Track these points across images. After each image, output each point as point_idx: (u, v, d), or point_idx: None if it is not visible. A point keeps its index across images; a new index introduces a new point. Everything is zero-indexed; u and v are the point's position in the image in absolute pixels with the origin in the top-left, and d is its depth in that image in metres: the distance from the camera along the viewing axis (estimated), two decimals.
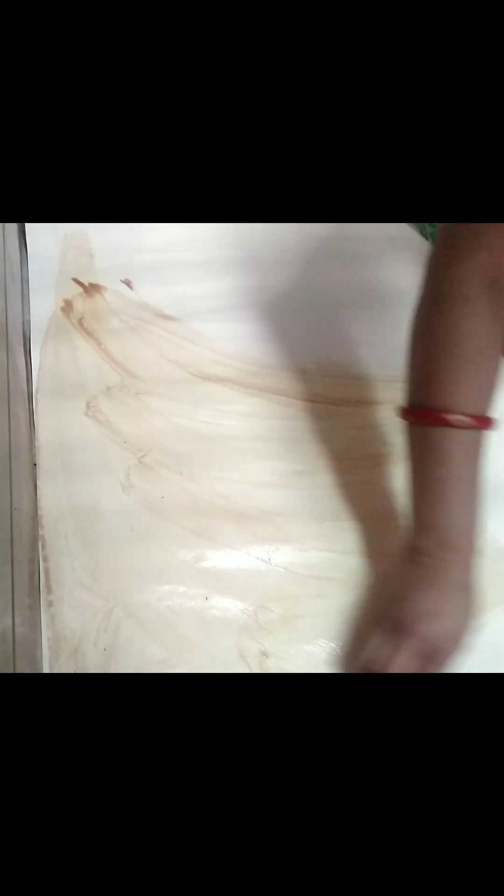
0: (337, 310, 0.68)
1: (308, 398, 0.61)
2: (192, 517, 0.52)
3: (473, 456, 0.43)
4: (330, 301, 0.69)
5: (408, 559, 0.44)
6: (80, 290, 0.67)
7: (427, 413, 0.43)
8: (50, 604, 0.47)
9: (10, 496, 0.45)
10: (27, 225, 0.72)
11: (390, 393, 0.62)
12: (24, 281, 0.67)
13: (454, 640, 0.42)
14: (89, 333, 0.63)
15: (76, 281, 0.68)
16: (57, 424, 0.56)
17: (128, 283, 0.68)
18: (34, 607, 0.46)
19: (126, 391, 0.59)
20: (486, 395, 0.43)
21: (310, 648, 0.47)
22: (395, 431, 0.59)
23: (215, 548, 0.51)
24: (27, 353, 0.62)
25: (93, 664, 0.44)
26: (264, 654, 0.46)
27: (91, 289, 0.67)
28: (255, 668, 0.45)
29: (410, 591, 0.43)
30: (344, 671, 0.47)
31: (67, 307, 0.65)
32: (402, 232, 0.73)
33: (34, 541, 0.49)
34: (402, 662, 0.41)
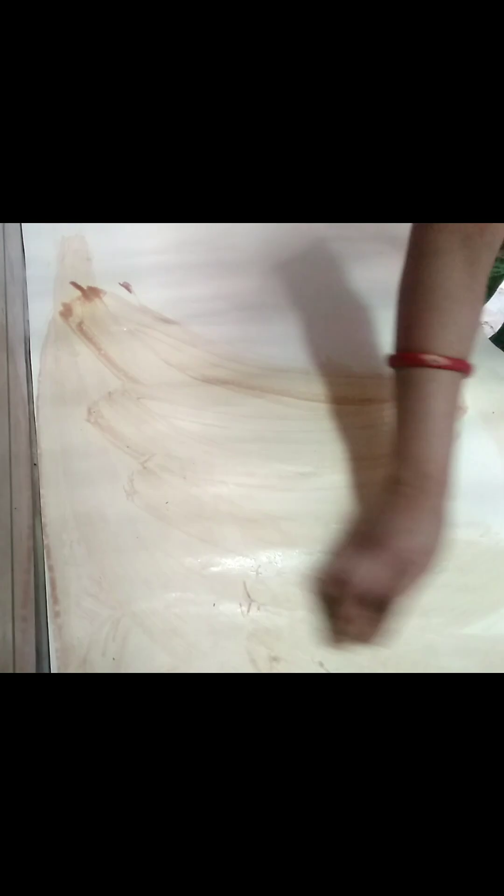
0: (338, 310, 0.68)
1: (311, 399, 0.60)
2: (198, 523, 0.51)
3: (449, 395, 0.47)
4: (330, 302, 0.69)
5: (388, 489, 0.48)
6: (79, 294, 0.67)
7: (407, 356, 0.48)
8: (57, 614, 0.46)
9: (10, 502, 0.44)
10: (25, 229, 0.71)
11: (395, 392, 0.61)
12: (25, 283, 0.67)
13: (425, 555, 0.45)
14: (89, 338, 0.63)
15: (75, 285, 0.67)
16: (58, 431, 0.56)
17: (127, 287, 0.68)
18: (29, 618, 0.45)
19: (127, 396, 0.59)
20: (460, 339, 0.47)
21: (319, 652, 0.46)
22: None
23: (221, 553, 0.50)
24: (27, 357, 0.61)
25: None
26: (274, 659, 0.46)
27: (90, 293, 0.67)
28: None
29: (387, 513, 0.47)
30: (316, 591, 0.49)
31: (66, 311, 0.65)
32: (402, 232, 0.73)
33: (30, 551, 0.48)
34: (375, 571, 0.44)
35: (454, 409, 0.48)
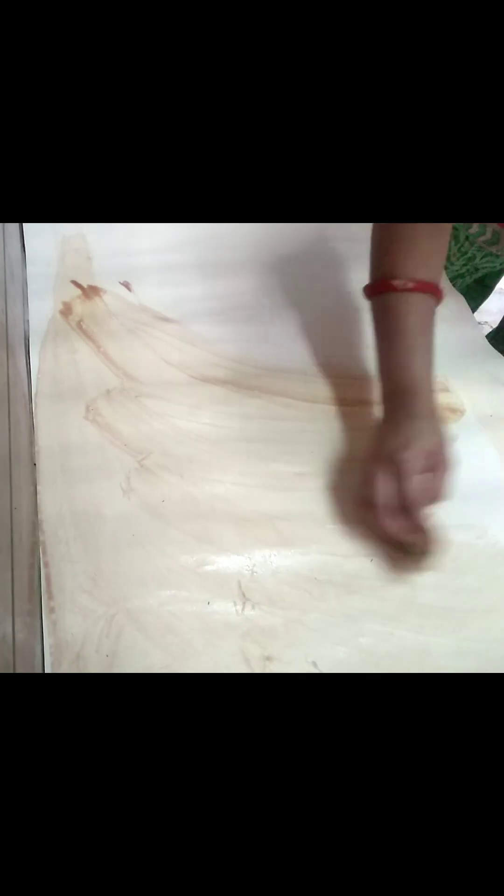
0: (337, 310, 0.68)
1: (308, 400, 0.61)
2: (193, 521, 0.52)
3: (420, 314, 0.52)
4: (330, 302, 0.69)
5: (383, 410, 0.53)
6: (79, 292, 0.67)
7: (378, 283, 0.53)
8: (51, 610, 0.46)
9: (10, 500, 0.44)
10: (25, 228, 0.71)
11: None
12: (25, 282, 0.67)
13: (433, 454, 0.48)
14: (89, 336, 0.63)
15: (75, 283, 0.67)
16: (57, 428, 0.56)
17: (127, 286, 0.68)
18: (34, 613, 0.46)
19: (126, 394, 0.59)
20: (426, 265, 0.52)
21: (313, 652, 0.46)
22: None
23: (217, 552, 0.50)
24: (27, 355, 0.61)
25: (95, 670, 0.44)
26: (267, 658, 0.46)
27: (90, 291, 0.67)
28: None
29: (384, 429, 0.51)
30: (346, 520, 0.52)
31: (66, 310, 0.65)
32: None
33: (34, 546, 0.49)
34: (392, 486, 0.47)
35: (427, 328, 0.52)
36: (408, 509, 0.47)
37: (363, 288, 0.56)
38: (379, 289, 0.53)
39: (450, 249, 0.75)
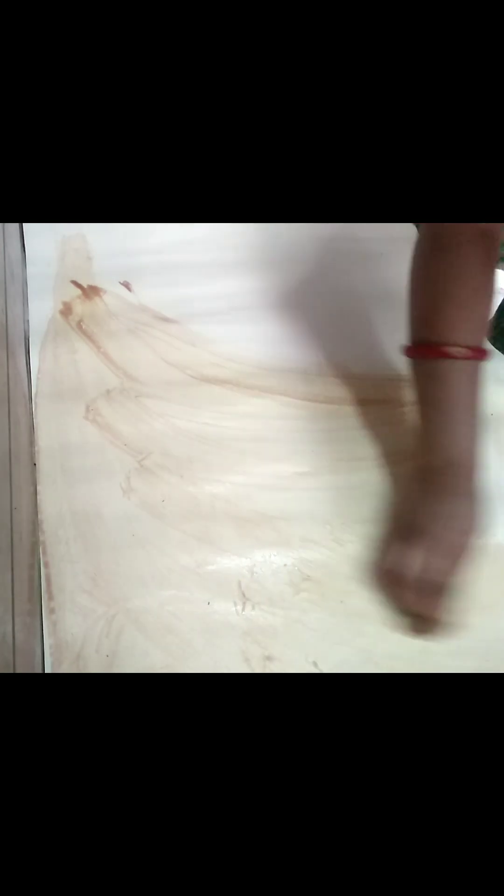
0: (337, 310, 0.68)
1: (309, 399, 0.61)
2: (193, 521, 0.52)
3: (472, 382, 0.49)
4: (330, 301, 0.69)
5: (419, 478, 0.51)
6: (79, 292, 0.67)
7: (430, 348, 0.49)
8: (52, 610, 0.46)
9: (11, 500, 0.44)
10: (25, 228, 0.71)
11: (392, 393, 0.62)
12: (25, 282, 0.67)
13: (468, 536, 0.47)
14: (88, 336, 0.63)
15: (75, 283, 0.67)
16: (57, 428, 0.56)
17: (127, 286, 0.68)
18: (34, 613, 0.46)
19: (126, 394, 0.59)
20: (480, 329, 0.50)
21: (313, 652, 0.46)
22: (398, 432, 0.59)
23: (217, 552, 0.50)
24: (27, 355, 0.61)
25: (95, 670, 0.44)
26: (268, 658, 0.46)
27: (90, 291, 0.67)
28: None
29: (423, 502, 0.49)
30: (371, 584, 0.50)
31: (66, 310, 0.65)
32: (403, 232, 0.73)
33: (33, 546, 0.49)
34: (427, 560, 0.46)
35: (477, 396, 0.49)
36: (433, 587, 0.46)
37: (405, 349, 0.52)
38: (431, 354, 0.49)
39: None
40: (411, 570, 0.46)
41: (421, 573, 0.46)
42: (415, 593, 0.47)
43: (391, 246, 0.74)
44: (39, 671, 0.44)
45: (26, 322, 0.64)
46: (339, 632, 0.47)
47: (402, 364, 0.64)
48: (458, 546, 0.47)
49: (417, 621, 0.48)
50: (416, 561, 0.47)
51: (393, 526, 0.52)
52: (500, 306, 0.65)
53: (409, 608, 0.48)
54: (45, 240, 0.71)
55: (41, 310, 0.65)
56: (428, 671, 0.46)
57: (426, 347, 0.50)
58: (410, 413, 0.61)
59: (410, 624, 0.48)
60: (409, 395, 0.62)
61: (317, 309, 0.68)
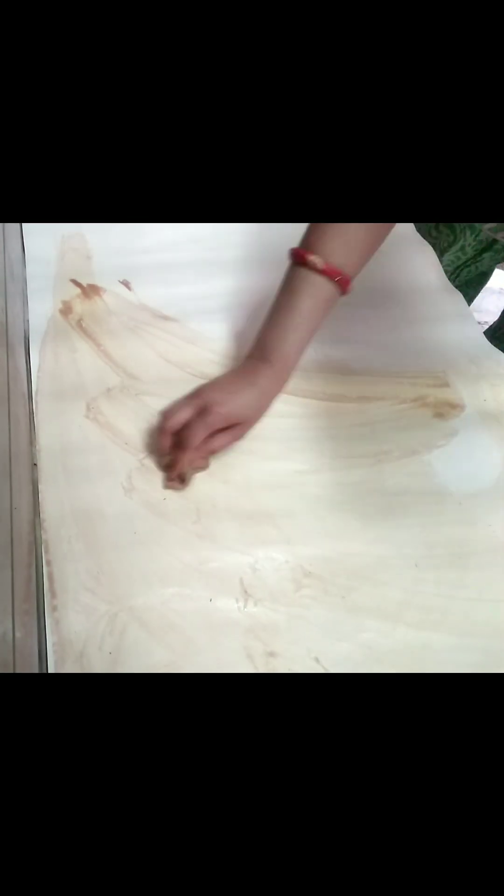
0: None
1: (308, 396, 0.61)
2: (195, 519, 0.52)
3: (316, 297, 0.52)
4: None
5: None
6: (79, 291, 0.67)
7: (298, 252, 0.53)
8: (54, 608, 0.46)
9: (10, 499, 0.45)
10: (25, 228, 0.71)
11: (392, 389, 0.62)
12: (25, 281, 0.67)
13: (227, 411, 0.51)
14: (88, 335, 0.63)
15: (74, 282, 0.68)
16: (57, 428, 0.56)
17: (126, 285, 0.68)
18: (31, 613, 0.46)
19: (126, 392, 0.59)
20: (347, 253, 0.52)
21: (315, 648, 0.47)
22: (397, 428, 0.59)
23: (218, 550, 0.50)
24: (27, 354, 0.61)
25: (98, 668, 0.44)
26: (271, 654, 0.46)
27: (89, 290, 0.67)
28: (262, 669, 0.45)
29: (222, 377, 0.54)
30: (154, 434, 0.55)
31: (66, 309, 0.65)
32: (402, 230, 0.73)
33: (32, 545, 0.49)
34: (181, 409, 0.52)
35: (316, 315, 0.53)
36: (184, 441, 0.51)
37: (288, 253, 0.55)
38: (296, 258, 0.53)
39: (465, 238, 0.75)
40: (174, 422, 0.51)
41: (173, 419, 0.51)
42: (170, 442, 0.52)
43: (390, 244, 0.74)
44: (38, 670, 0.44)
45: (26, 321, 0.64)
46: (341, 628, 0.48)
47: (401, 362, 0.65)
48: (219, 416, 0.51)
49: (167, 469, 0.53)
50: (181, 415, 0.51)
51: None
52: None
53: (161, 453, 0.53)
54: (45, 239, 0.71)
55: (41, 309, 0.65)
56: (429, 666, 0.47)
57: (297, 251, 0.53)
58: (410, 410, 0.61)
59: (163, 471, 0.54)
60: (408, 392, 0.62)
61: None
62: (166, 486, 0.53)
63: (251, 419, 0.53)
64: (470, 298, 0.85)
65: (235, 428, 0.52)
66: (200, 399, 0.52)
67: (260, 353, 0.54)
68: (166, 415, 0.52)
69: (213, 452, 0.53)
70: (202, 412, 0.51)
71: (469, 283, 0.80)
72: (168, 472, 0.53)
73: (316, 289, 0.52)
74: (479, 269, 0.80)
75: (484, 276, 0.85)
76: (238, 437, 0.53)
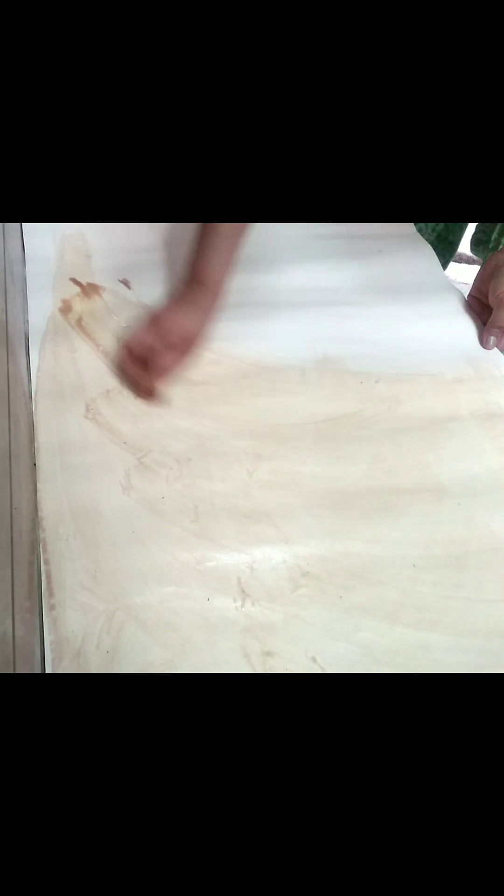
0: (336, 308, 0.68)
1: (306, 395, 0.61)
2: (193, 518, 0.52)
3: (237, 229, 0.59)
4: (328, 299, 0.69)
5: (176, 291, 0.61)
6: (79, 290, 0.67)
7: None
8: (52, 607, 0.46)
9: (10, 497, 0.45)
10: (25, 227, 0.72)
11: (391, 389, 0.62)
12: (24, 280, 0.67)
13: (182, 332, 0.59)
14: (88, 334, 0.63)
15: (74, 281, 0.68)
16: (57, 426, 0.56)
17: (126, 283, 0.68)
18: (33, 611, 0.46)
19: (125, 393, 0.59)
20: None
21: (312, 647, 0.47)
22: (395, 429, 0.59)
23: (216, 549, 0.51)
24: (27, 353, 0.61)
25: (95, 667, 0.44)
26: (268, 653, 0.46)
27: (89, 289, 0.67)
28: (259, 669, 0.45)
29: (168, 304, 0.61)
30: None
31: (66, 307, 0.65)
32: (401, 230, 0.73)
33: (33, 543, 0.49)
34: (142, 335, 0.59)
35: (237, 236, 0.60)
36: (143, 361, 0.58)
37: None
38: None
39: None
40: (134, 344, 0.58)
41: (135, 343, 0.58)
42: (132, 361, 0.58)
43: (389, 243, 0.75)
44: (39, 668, 0.44)
45: (26, 321, 0.64)
46: (339, 627, 0.48)
47: (399, 361, 0.65)
48: (170, 334, 0.58)
49: (132, 385, 0.59)
50: (145, 339, 0.58)
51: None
52: None
53: (125, 373, 0.59)
54: (45, 238, 0.71)
55: (41, 308, 0.65)
56: (426, 666, 0.47)
57: None
58: (408, 410, 0.61)
59: (129, 388, 0.59)
60: (406, 391, 0.62)
61: (315, 306, 0.68)
62: (141, 399, 0.59)
63: (198, 337, 0.60)
64: (443, 263, 0.87)
65: (184, 347, 0.60)
66: (156, 324, 0.59)
67: (192, 277, 0.60)
68: (130, 343, 0.59)
69: (167, 370, 0.59)
70: (160, 335, 0.58)
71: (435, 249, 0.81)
72: (140, 392, 0.59)
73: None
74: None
75: (445, 241, 0.88)
76: (185, 355, 0.60)
